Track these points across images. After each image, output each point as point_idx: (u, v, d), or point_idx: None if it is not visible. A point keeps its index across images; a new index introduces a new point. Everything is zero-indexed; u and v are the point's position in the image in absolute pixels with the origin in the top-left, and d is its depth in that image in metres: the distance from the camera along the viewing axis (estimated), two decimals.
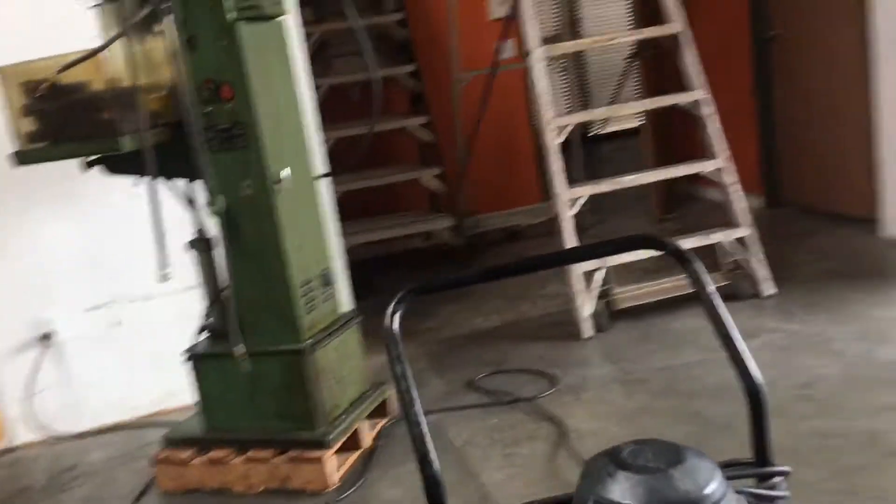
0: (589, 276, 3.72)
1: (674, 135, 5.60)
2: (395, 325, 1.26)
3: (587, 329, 3.67)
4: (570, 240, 3.71)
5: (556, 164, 3.78)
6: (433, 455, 1.19)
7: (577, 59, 6.67)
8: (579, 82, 6.87)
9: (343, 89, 5.20)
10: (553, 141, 3.80)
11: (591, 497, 1.05)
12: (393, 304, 1.28)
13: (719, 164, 3.86)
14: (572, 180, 3.85)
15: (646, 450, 1.09)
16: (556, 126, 3.82)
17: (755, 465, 1.26)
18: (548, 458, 2.69)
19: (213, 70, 2.58)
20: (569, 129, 3.90)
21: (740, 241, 3.86)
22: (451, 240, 5.21)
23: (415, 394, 1.22)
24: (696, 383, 3.06)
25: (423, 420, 1.19)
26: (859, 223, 4.57)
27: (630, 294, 3.81)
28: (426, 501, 1.22)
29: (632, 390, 3.10)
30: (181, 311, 3.21)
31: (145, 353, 3.52)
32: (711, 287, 1.34)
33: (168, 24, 2.56)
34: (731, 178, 3.87)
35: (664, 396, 3.01)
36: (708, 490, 1.01)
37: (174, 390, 3.40)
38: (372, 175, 5.15)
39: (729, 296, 3.80)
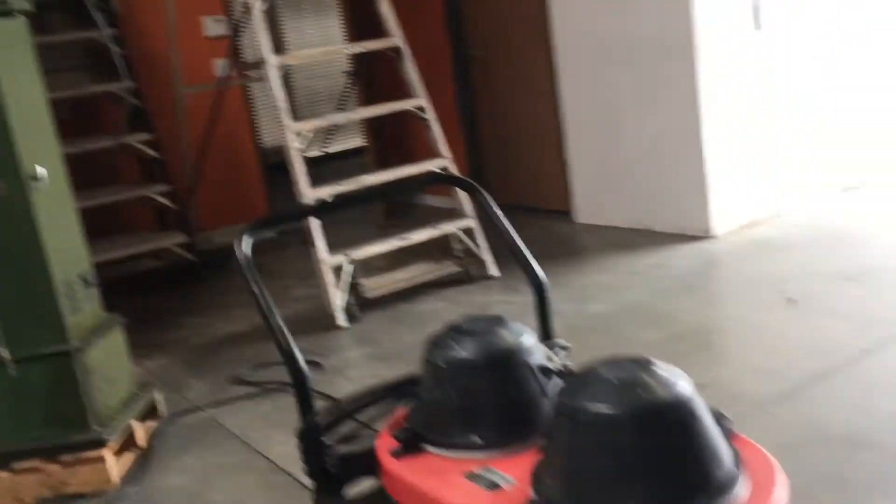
0: (338, 270, 3.95)
1: (392, 147, 6.04)
2: (247, 251, 1.41)
3: (341, 319, 3.90)
4: (320, 241, 3.92)
5: (299, 167, 3.98)
6: (297, 352, 1.37)
7: (286, 80, 6.91)
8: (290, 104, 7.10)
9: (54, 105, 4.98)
10: (294, 144, 4.00)
11: (437, 357, 1.29)
12: (240, 236, 1.43)
13: (445, 162, 4.29)
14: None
15: (478, 320, 1.35)
16: (295, 131, 4.03)
17: (544, 338, 1.58)
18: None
19: None
20: (310, 135, 4.12)
21: (468, 231, 4.31)
22: (183, 257, 5.17)
23: (274, 308, 1.38)
24: None
25: (284, 327, 1.36)
26: (557, 214, 5.28)
27: (377, 284, 4.10)
28: (296, 395, 1.39)
29: (392, 364, 3.37)
30: None
31: None
32: (499, 211, 1.65)
33: None
34: (456, 174, 4.32)
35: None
36: (523, 341, 1.29)
37: None
38: (94, 195, 4.97)
39: (462, 279, 4.24)
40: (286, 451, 2.72)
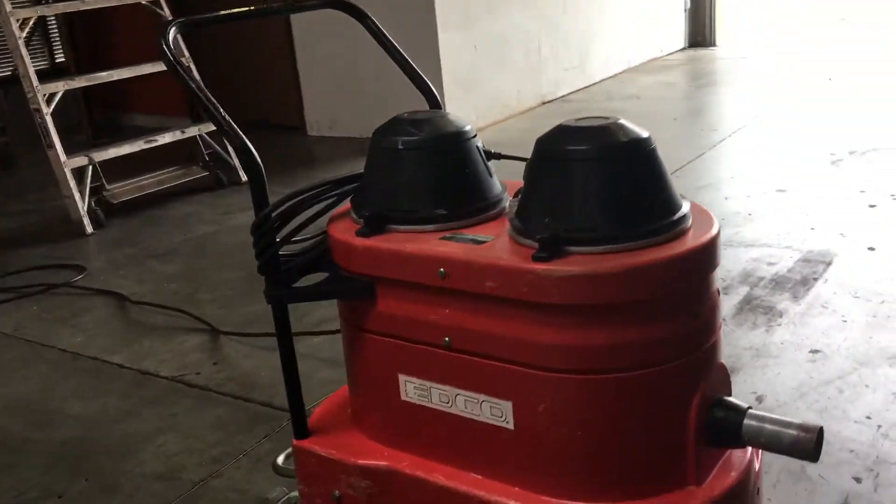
0: (79, 173, 3.65)
1: None
2: (172, 46, 1.34)
3: (88, 225, 3.62)
4: (58, 142, 3.59)
5: None
6: (251, 145, 1.35)
7: None
8: None
9: None
10: None
11: (393, 142, 1.35)
12: (166, 33, 1.35)
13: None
14: None
15: (419, 113, 1.43)
16: None
17: None
18: (119, 315, 2.72)
19: None
20: None
21: (212, 135, 4.18)
22: None
23: (211, 97, 1.33)
24: (221, 245, 3.33)
25: (220, 109, 1.32)
26: (290, 129, 5.29)
27: (123, 189, 3.84)
28: (251, 189, 1.37)
29: (167, 258, 3.23)
30: None
31: None
32: (386, 34, 1.71)
33: None
34: None
35: (200, 256, 3.23)
36: (467, 128, 1.40)
37: None
38: None
39: (212, 185, 4.12)
40: (79, 341, 2.55)
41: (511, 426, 1.24)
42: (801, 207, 3.06)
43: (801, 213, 3.00)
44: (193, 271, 3.06)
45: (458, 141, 1.37)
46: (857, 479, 1.61)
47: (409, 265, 1.27)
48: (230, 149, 4.21)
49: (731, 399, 1.26)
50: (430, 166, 1.35)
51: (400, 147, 1.35)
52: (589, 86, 5.86)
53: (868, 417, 1.78)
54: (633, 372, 1.17)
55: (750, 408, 1.24)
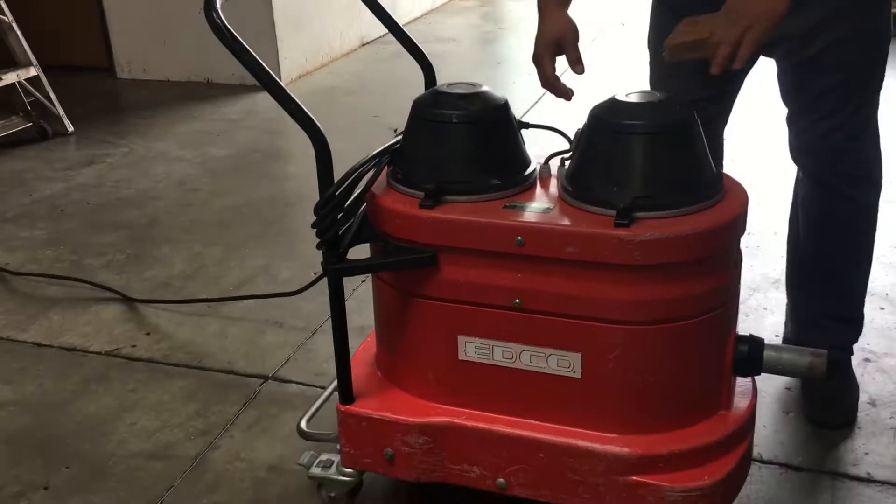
0: None
1: None
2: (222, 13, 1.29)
3: None
4: None
5: None
6: (305, 110, 1.33)
7: None
8: None
9: None
10: None
11: (444, 115, 1.41)
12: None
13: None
14: None
15: (458, 85, 1.48)
16: None
17: None
18: (2, 289, 2.50)
19: None
20: None
21: (33, 82, 3.80)
22: None
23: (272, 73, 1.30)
24: (81, 205, 3.10)
25: (280, 84, 1.30)
26: (95, 71, 4.89)
27: None
28: (318, 165, 1.36)
29: (24, 223, 2.95)
30: None
31: None
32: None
33: None
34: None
35: (62, 218, 2.99)
36: (504, 100, 1.49)
37: None
38: None
39: (36, 137, 3.77)
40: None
41: (578, 375, 1.38)
42: None
43: None
44: (64, 235, 2.83)
45: (504, 113, 1.45)
46: (788, 388, 1.92)
47: (485, 234, 1.35)
48: (52, 95, 3.86)
49: (747, 334, 1.48)
50: (482, 139, 1.42)
51: (454, 121, 1.41)
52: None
53: (776, 336, 2.10)
54: (696, 318, 1.35)
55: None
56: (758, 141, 3.14)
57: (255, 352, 2.13)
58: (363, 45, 5.44)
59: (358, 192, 1.44)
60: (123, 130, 3.96)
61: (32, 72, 3.80)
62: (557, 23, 1.57)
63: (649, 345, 1.35)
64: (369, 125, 3.90)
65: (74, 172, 3.42)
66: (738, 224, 1.35)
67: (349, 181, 1.38)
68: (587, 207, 1.35)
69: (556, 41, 1.57)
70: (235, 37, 1.30)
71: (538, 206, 1.39)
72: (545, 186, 1.47)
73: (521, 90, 4.30)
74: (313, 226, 1.37)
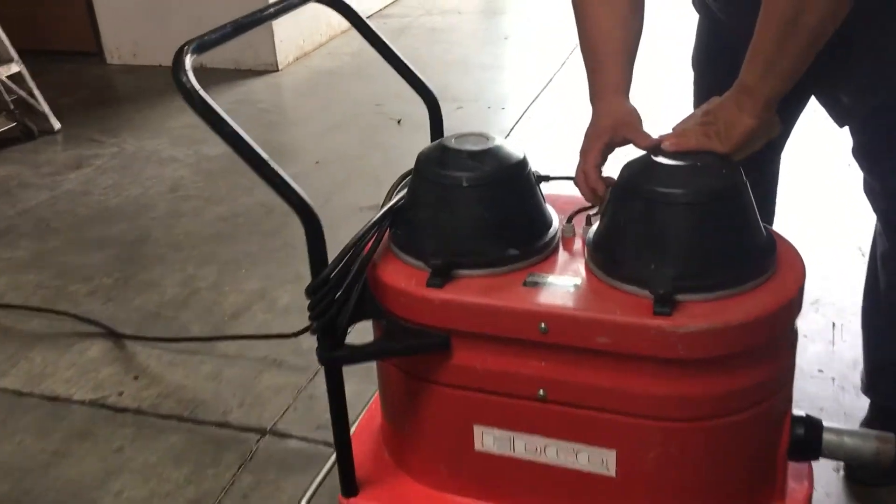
0: None
1: None
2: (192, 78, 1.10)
3: None
4: None
5: None
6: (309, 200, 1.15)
7: None
8: None
9: None
10: None
11: (453, 177, 1.22)
12: (181, 59, 1.10)
13: None
14: None
15: (465, 136, 1.29)
16: None
17: None
18: None
19: None
20: None
21: (15, 79, 3.60)
22: None
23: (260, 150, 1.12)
24: (66, 217, 2.93)
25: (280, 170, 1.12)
26: (85, 56, 4.67)
27: None
28: (309, 247, 1.18)
29: (6, 241, 2.79)
30: None
31: None
32: (375, 30, 1.52)
33: None
34: None
35: (47, 234, 2.82)
36: (522, 154, 1.29)
37: None
38: None
39: (20, 137, 3.59)
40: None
41: (612, 474, 1.21)
42: None
43: None
44: (49, 256, 2.66)
45: (522, 171, 1.26)
46: None
47: (503, 319, 1.17)
48: (36, 92, 3.66)
49: (801, 413, 1.31)
50: (498, 204, 1.23)
51: (465, 184, 1.22)
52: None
53: (820, 371, 1.93)
54: (747, 412, 1.17)
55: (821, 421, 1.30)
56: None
57: (252, 398, 1.97)
58: None
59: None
60: (112, 126, 3.76)
61: (14, 68, 3.59)
62: (615, 111, 1.28)
63: (694, 443, 1.18)
64: (371, 116, 3.70)
65: (61, 178, 3.24)
66: (796, 303, 1.17)
67: (346, 258, 1.20)
68: (620, 286, 1.16)
69: (613, 130, 1.26)
70: (209, 105, 1.11)
71: (563, 282, 1.20)
72: (569, 250, 1.29)
73: (530, 70, 4.09)
74: (308, 307, 1.19)
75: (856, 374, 1.97)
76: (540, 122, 3.49)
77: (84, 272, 2.55)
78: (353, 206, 2.83)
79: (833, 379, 1.93)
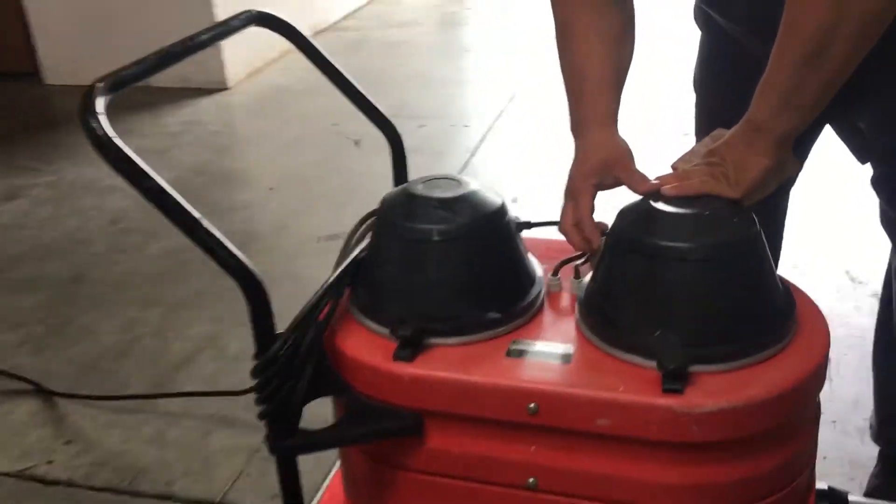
0: None
1: None
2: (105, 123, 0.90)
3: None
4: None
5: None
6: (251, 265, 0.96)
7: None
8: None
9: None
10: None
11: (423, 232, 1.04)
12: (90, 102, 0.91)
13: None
14: None
15: (433, 181, 1.12)
16: None
17: None
18: None
19: None
20: None
21: None
22: None
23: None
24: (39, 237, 2.70)
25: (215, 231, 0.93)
26: (20, 77, 4.41)
27: None
28: (253, 320, 0.99)
29: None
30: None
31: None
32: (326, 55, 1.35)
33: None
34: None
35: None
36: (499, 200, 1.12)
37: None
38: None
39: None
40: None
41: None
42: None
43: None
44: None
45: (500, 221, 1.09)
46: (852, 478, 1.61)
47: (485, 399, 0.99)
48: None
49: (824, 487, 1.15)
50: (475, 259, 1.06)
51: (436, 238, 1.05)
52: (355, 10, 5.49)
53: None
54: (772, 497, 1.01)
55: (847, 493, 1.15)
56: None
57: (199, 463, 1.77)
58: (315, 34, 4.99)
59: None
60: (50, 153, 3.52)
61: None
62: (604, 146, 1.12)
63: None
64: (327, 136, 3.50)
65: None
66: (822, 370, 1.01)
67: (295, 333, 1.01)
68: (620, 355, 1.00)
69: (603, 168, 1.11)
70: (126, 156, 0.92)
71: (553, 350, 1.03)
72: (556, 308, 1.12)
73: (493, 84, 3.93)
74: (254, 389, 1.01)
75: (857, 415, 1.83)
76: (506, 139, 3.32)
77: (13, 318, 2.32)
78: (310, 236, 2.64)
79: (834, 422, 1.78)
